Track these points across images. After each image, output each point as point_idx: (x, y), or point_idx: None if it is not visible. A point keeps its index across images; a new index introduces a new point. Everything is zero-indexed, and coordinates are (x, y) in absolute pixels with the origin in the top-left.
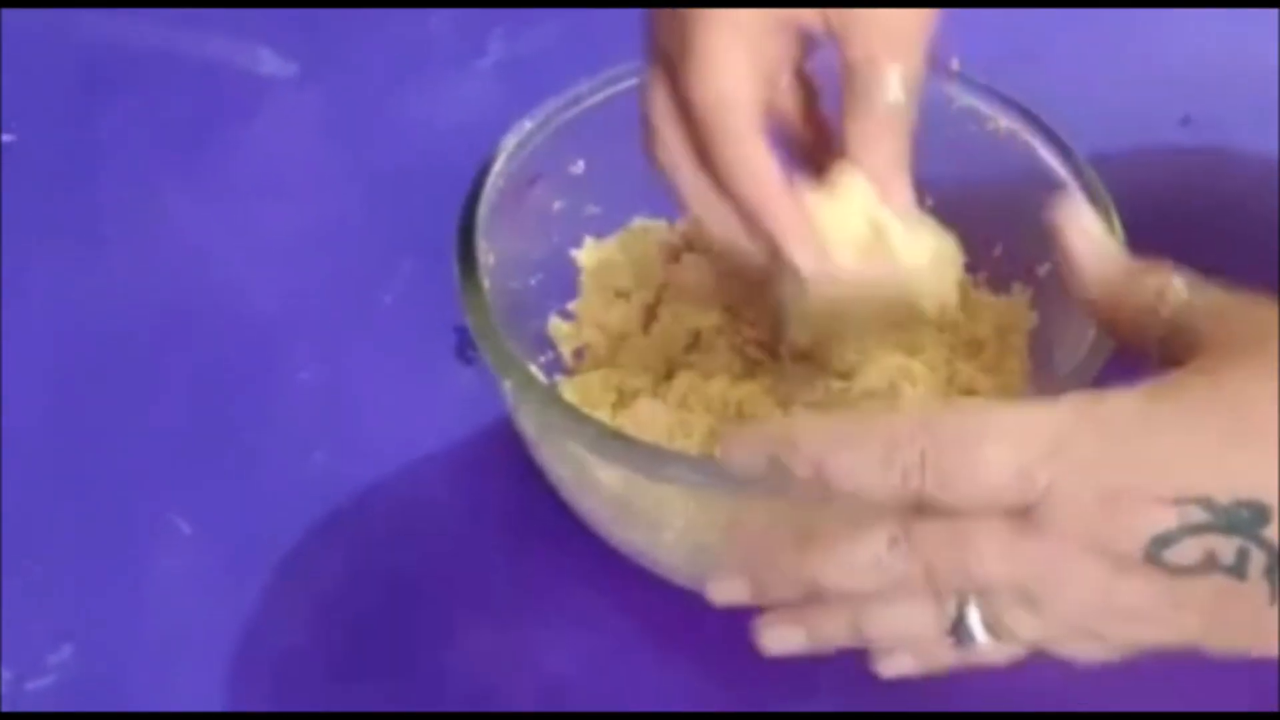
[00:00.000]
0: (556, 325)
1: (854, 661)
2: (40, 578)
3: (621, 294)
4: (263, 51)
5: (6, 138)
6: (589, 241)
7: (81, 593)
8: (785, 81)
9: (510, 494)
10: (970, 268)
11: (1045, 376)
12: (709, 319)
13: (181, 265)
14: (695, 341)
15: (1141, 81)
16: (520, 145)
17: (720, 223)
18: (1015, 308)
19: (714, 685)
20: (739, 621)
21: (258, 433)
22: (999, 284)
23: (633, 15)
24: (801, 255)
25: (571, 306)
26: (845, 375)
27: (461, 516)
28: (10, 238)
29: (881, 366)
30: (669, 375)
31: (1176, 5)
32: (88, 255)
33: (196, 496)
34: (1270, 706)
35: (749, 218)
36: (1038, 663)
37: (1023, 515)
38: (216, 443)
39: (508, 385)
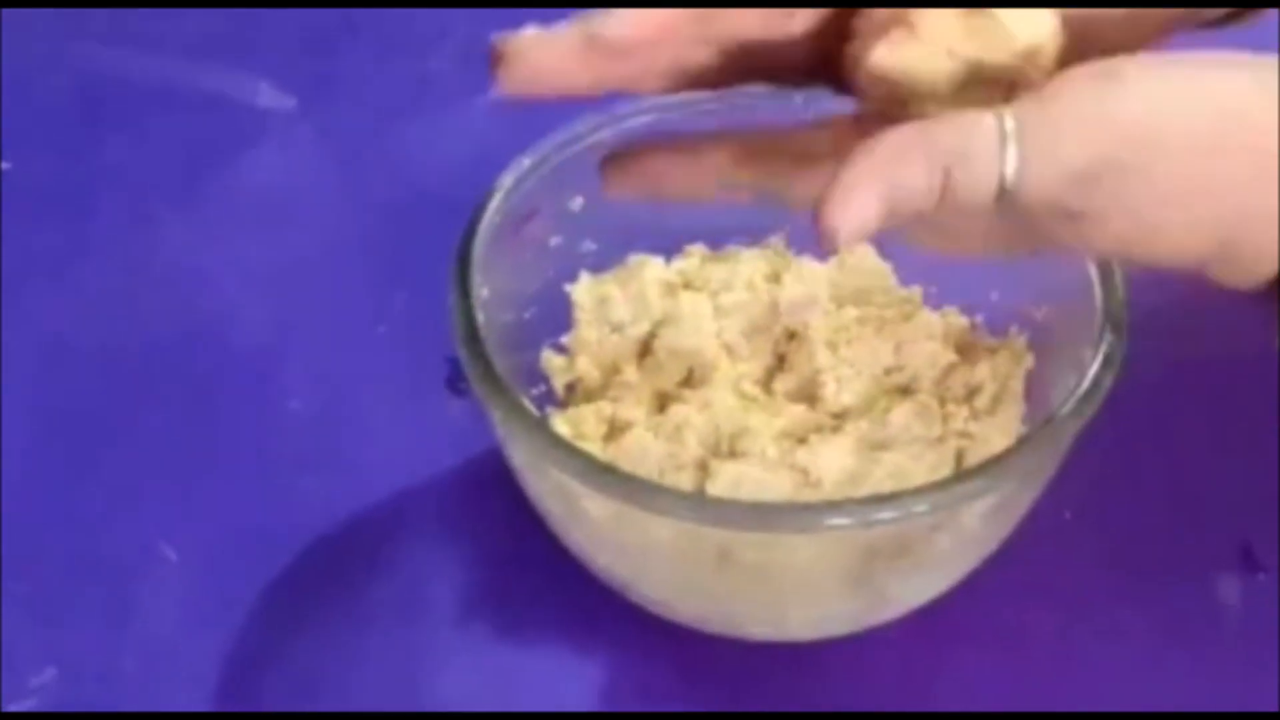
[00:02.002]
0: (549, 358)
1: (847, 689)
2: (25, 601)
3: (616, 328)
4: (261, 84)
5: (4, 165)
6: (585, 276)
7: (66, 616)
8: None
9: (499, 526)
10: (967, 311)
11: (1042, 420)
12: (704, 354)
13: (176, 294)
14: (689, 376)
15: None
16: (518, 181)
17: None
18: (1012, 351)
19: (704, 715)
20: (729, 655)
21: (247, 460)
22: (996, 327)
23: None
24: None
25: (565, 340)
26: (839, 415)
27: (450, 547)
28: (5, 265)
29: (875, 408)
30: (662, 409)
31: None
32: (83, 284)
33: (184, 523)
34: (1270, 706)
35: None
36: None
37: None
38: (205, 470)
39: (498, 416)
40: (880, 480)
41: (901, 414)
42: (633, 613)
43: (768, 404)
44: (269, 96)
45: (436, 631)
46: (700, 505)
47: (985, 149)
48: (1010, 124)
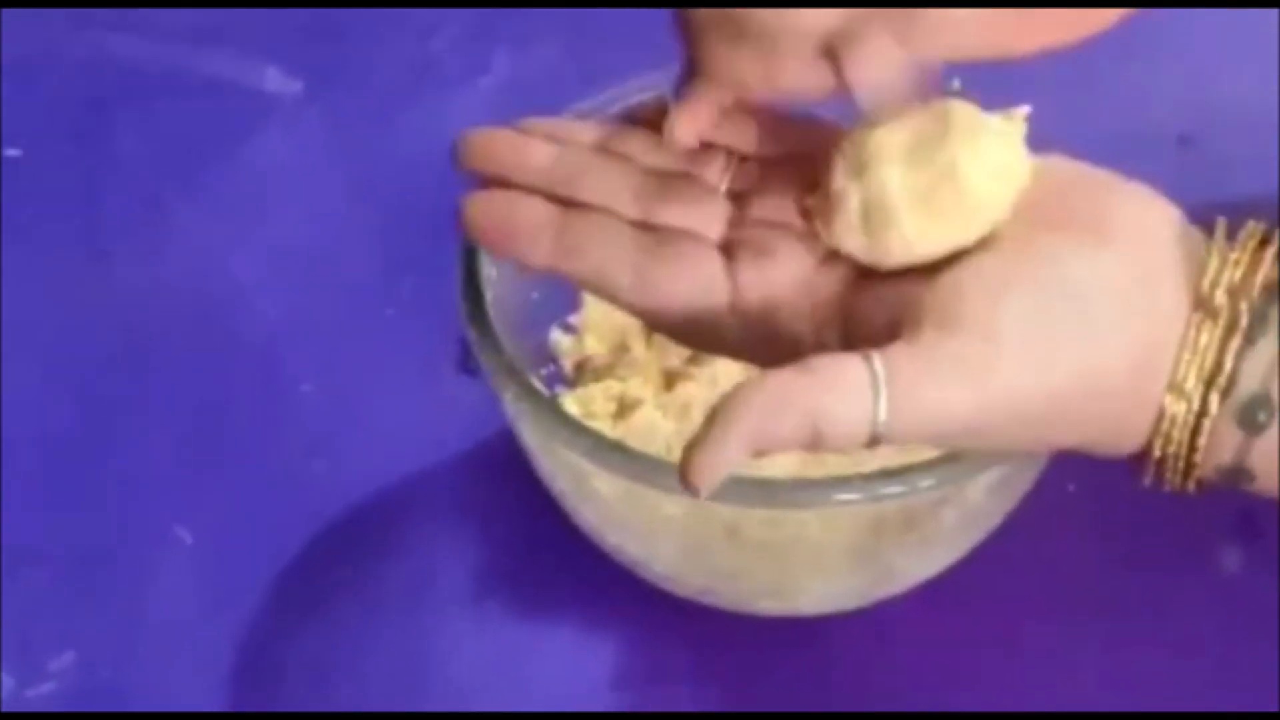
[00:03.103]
0: (558, 338)
1: (856, 665)
2: (42, 585)
3: None
4: (268, 69)
5: (12, 152)
6: None
7: (83, 600)
8: None
9: (510, 505)
10: None
11: None
12: None
13: (185, 279)
14: (697, 353)
15: (1139, 101)
16: None
17: None
18: None
19: (712, 693)
20: (738, 631)
21: (260, 444)
22: None
23: (636, 33)
24: None
25: (573, 319)
26: None
27: (462, 528)
28: (15, 252)
29: None
30: (670, 387)
31: (1177, 5)
32: (92, 269)
33: (199, 506)
34: (1270, 706)
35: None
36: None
37: None
38: (219, 453)
39: (508, 397)
40: (886, 455)
41: None
42: (643, 590)
43: None
44: (276, 81)
45: (449, 612)
46: None
47: (855, 402)
48: (881, 374)
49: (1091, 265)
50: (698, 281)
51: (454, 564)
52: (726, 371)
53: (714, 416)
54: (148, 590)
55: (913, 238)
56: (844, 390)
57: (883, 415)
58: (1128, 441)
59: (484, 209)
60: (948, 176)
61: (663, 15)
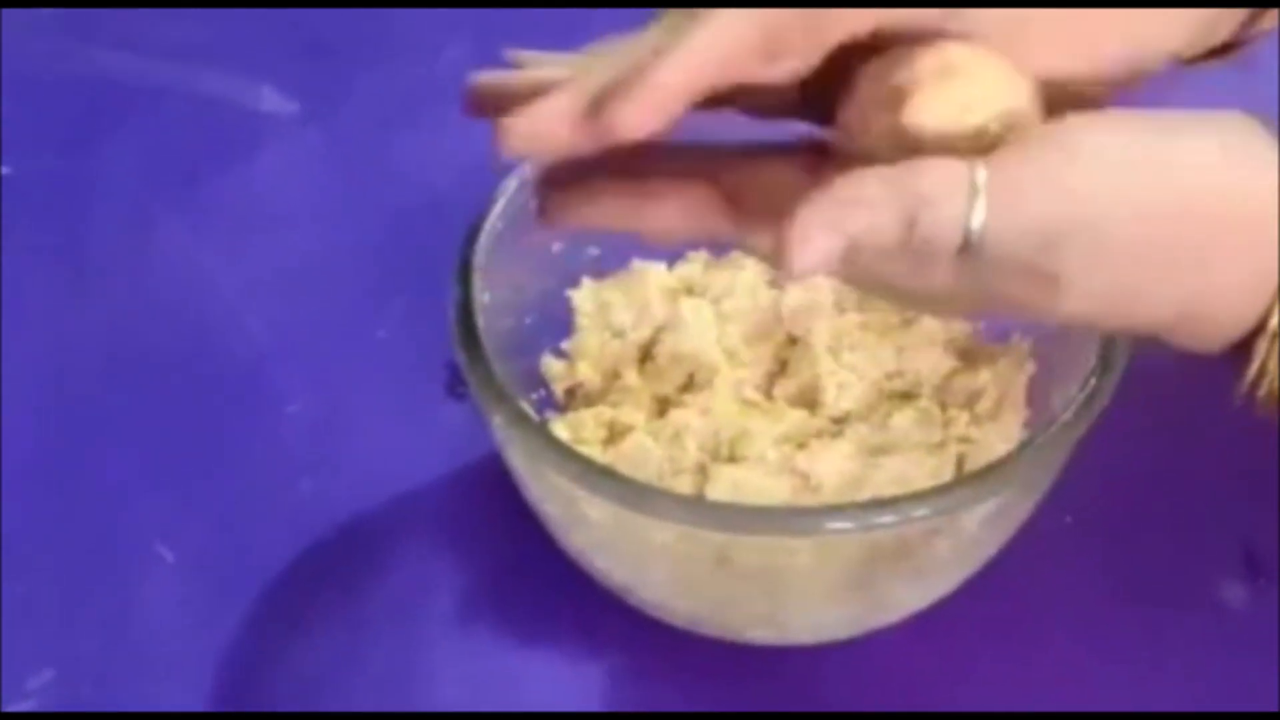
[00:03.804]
0: (549, 363)
1: (847, 695)
2: (23, 602)
3: (617, 333)
4: (264, 89)
5: (4, 170)
6: (586, 282)
7: (64, 618)
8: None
9: (498, 529)
10: (969, 316)
11: (1044, 425)
12: (705, 359)
13: (175, 298)
14: (690, 381)
15: None
16: (521, 187)
17: None
18: (1014, 357)
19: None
20: (728, 659)
21: (245, 463)
22: (998, 333)
23: None
24: None
25: (565, 345)
26: (839, 420)
27: (449, 551)
28: (5, 270)
29: (876, 413)
30: (662, 413)
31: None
32: (82, 288)
33: (181, 525)
34: (1270, 706)
35: None
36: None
37: None
38: (204, 472)
39: (497, 421)
40: (881, 485)
41: (902, 419)
42: (632, 617)
43: (768, 409)
44: (272, 101)
45: (434, 634)
46: (699, 509)
47: (953, 198)
48: (981, 176)
49: (1203, 141)
50: None
51: (440, 587)
52: (719, 400)
53: (806, 199)
54: (128, 608)
55: None
56: (945, 182)
57: (979, 216)
58: (1228, 319)
59: None
60: None
61: None
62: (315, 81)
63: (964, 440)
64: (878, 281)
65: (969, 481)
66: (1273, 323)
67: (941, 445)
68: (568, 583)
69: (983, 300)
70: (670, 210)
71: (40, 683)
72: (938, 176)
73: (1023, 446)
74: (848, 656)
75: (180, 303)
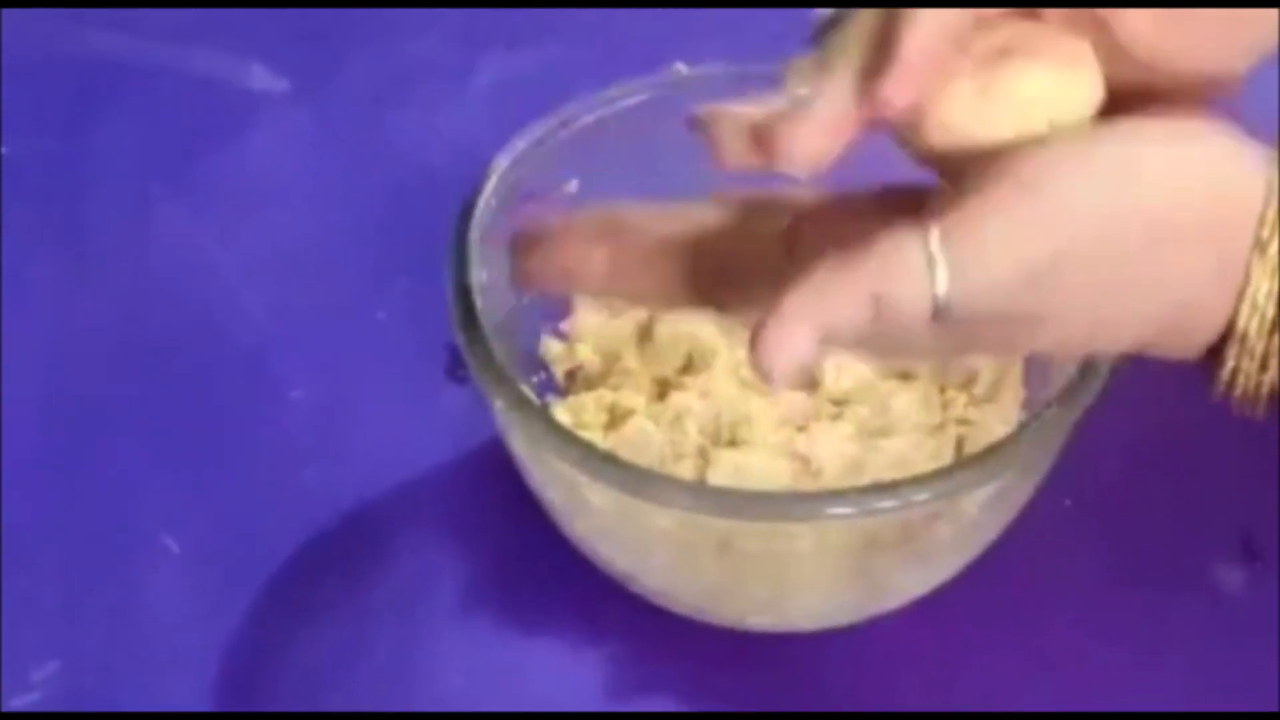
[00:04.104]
0: (549, 346)
1: (849, 681)
2: (27, 593)
3: (616, 313)
4: (255, 67)
5: (2, 150)
6: None
7: (69, 609)
8: None
9: (500, 515)
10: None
11: (1042, 406)
12: (704, 339)
13: (173, 281)
14: (689, 362)
15: None
16: (514, 164)
17: None
18: None
19: (703, 708)
20: (730, 645)
21: (248, 450)
22: None
23: (625, 35)
24: None
25: (565, 326)
26: (838, 401)
27: (451, 537)
28: (4, 250)
29: (875, 394)
30: (662, 396)
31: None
32: (79, 270)
33: (185, 514)
34: (1270, 706)
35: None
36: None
37: None
38: (206, 460)
39: (498, 405)
40: (881, 468)
41: (901, 400)
42: (634, 603)
43: (767, 390)
44: (262, 80)
45: (437, 622)
46: (701, 494)
47: (912, 272)
48: (935, 243)
49: (1165, 150)
50: None
51: (443, 574)
52: (719, 382)
53: (772, 305)
54: (133, 599)
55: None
56: (900, 259)
57: (942, 283)
58: (1203, 327)
59: None
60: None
61: (650, 17)
62: (305, 59)
63: (963, 422)
64: (856, 351)
65: (969, 464)
66: (1239, 324)
67: (941, 427)
68: (570, 570)
69: (965, 350)
70: (656, 276)
71: (44, 674)
72: (890, 253)
73: (1022, 428)
74: (849, 643)
75: (180, 286)
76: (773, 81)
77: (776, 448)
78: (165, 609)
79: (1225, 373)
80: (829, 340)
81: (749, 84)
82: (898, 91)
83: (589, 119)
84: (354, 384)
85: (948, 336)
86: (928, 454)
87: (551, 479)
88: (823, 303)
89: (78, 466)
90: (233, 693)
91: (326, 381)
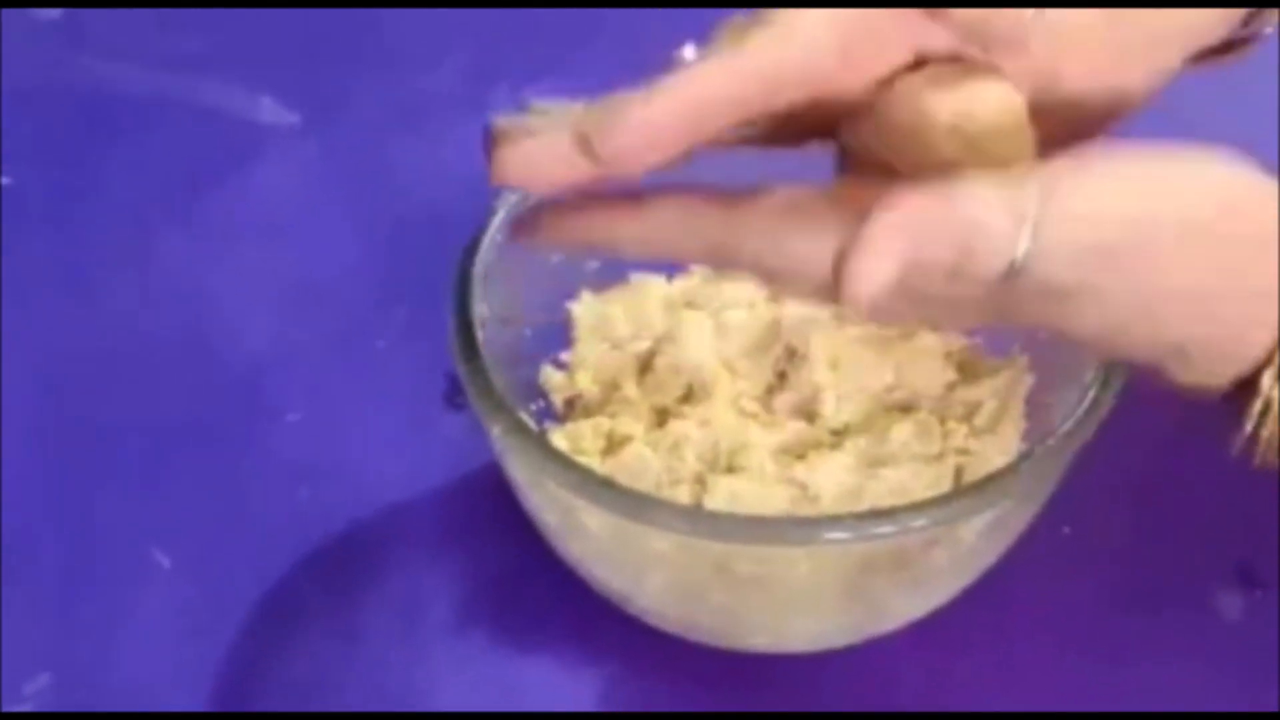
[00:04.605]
0: (549, 374)
1: (845, 704)
2: (19, 607)
3: (616, 344)
4: (264, 100)
5: (4, 181)
6: (585, 295)
7: (61, 623)
8: None
9: (497, 539)
10: (969, 331)
11: (1042, 438)
12: (704, 371)
13: (176, 308)
14: (689, 393)
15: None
16: (523, 198)
17: None
18: (1014, 370)
19: None
20: (726, 667)
21: (243, 472)
22: (998, 347)
23: (636, 73)
24: None
25: (565, 356)
26: (838, 432)
27: (447, 561)
28: (5, 280)
29: (875, 425)
30: (661, 424)
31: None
32: (82, 299)
33: (179, 532)
34: (1270, 706)
35: None
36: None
37: None
38: (202, 480)
39: (496, 431)
40: (879, 496)
41: (901, 431)
42: (631, 626)
43: (767, 420)
44: (271, 112)
45: (433, 644)
46: (698, 519)
47: (1003, 229)
48: (1031, 204)
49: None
50: None
51: (438, 597)
52: (719, 412)
53: (869, 224)
54: (125, 614)
55: None
56: (996, 210)
57: (1024, 242)
58: (1239, 350)
59: None
60: None
61: (661, 53)
62: (315, 92)
63: (962, 452)
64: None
65: (967, 492)
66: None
67: (940, 457)
68: (566, 591)
69: (1004, 319)
70: (657, 217)
71: (36, 687)
72: (991, 201)
73: (1021, 458)
74: (845, 665)
75: (180, 313)
76: None
77: (774, 475)
78: (157, 625)
79: (1256, 406)
80: (908, 273)
81: None
82: (620, 153)
83: None
84: (352, 409)
85: (998, 302)
86: (926, 483)
87: (548, 503)
88: (913, 243)
89: (73, 484)
90: (224, 709)
91: (325, 406)
